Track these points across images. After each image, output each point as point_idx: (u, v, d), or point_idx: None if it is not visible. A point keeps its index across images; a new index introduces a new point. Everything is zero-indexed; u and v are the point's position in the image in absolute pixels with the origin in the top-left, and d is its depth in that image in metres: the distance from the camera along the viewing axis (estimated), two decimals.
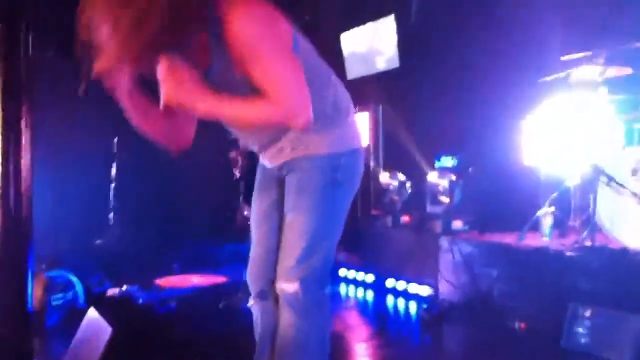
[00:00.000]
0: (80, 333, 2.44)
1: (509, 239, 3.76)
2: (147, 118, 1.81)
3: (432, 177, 4.54)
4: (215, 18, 1.62)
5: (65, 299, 3.96)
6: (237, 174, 4.53)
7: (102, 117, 6.47)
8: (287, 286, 1.88)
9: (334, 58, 5.85)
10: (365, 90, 5.89)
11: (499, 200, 4.30)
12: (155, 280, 4.75)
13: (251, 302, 2.13)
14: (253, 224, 2.12)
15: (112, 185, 6.72)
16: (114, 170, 6.72)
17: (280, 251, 1.94)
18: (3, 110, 1.77)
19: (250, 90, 1.69)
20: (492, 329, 3.40)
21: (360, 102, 5.85)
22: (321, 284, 1.94)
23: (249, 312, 2.15)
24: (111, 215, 6.61)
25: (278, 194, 2.03)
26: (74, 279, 4.06)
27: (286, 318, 1.92)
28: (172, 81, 1.68)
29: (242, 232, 4.30)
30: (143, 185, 6.74)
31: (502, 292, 3.51)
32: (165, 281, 4.89)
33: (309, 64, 1.79)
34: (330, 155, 1.91)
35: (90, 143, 6.29)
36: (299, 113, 1.69)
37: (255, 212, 2.12)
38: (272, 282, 1.98)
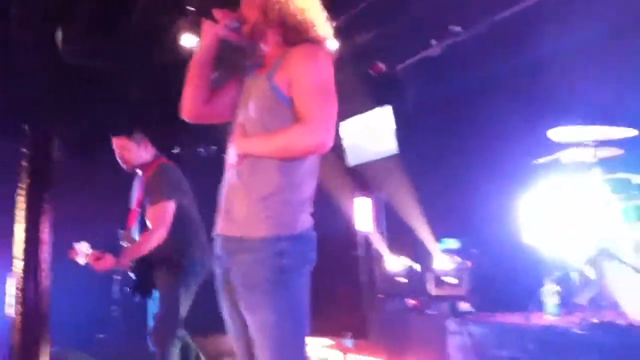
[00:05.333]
0: None
1: (516, 318, 3.77)
2: (201, 72, 2.07)
3: (437, 260, 4.60)
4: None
5: None
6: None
7: (106, 210, 6.67)
8: None
9: (334, 146, 6.07)
10: (367, 176, 6.06)
11: (503, 280, 4.34)
12: None
13: None
14: (226, 318, 2.06)
15: (115, 278, 6.73)
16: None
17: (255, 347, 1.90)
18: (27, 210, 1.84)
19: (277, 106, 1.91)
20: None
21: (362, 188, 6.00)
22: None
23: None
24: (114, 308, 6.57)
25: (231, 293, 1.96)
26: None
27: None
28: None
29: None
30: None
31: None
32: None
33: None
34: (270, 239, 1.86)
35: (93, 235, 6.39)
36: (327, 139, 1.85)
37: (223, 309, 2.06)
38: None
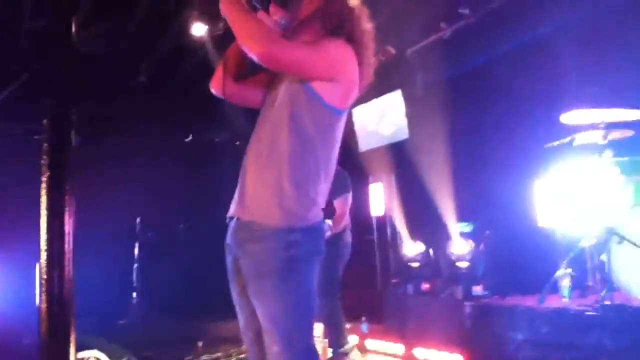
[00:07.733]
0: None
1: (529, 301, 3.80)
2: (238, 52, 2.04)
3: (450, 243, 4.64)
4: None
5: None
6: None
7: (124, 198, 6.77)
8: None
9: (346, 132, 6.09)
10: (378, 161, 6.09)
11: (516, 263, 4.36)
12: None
13: None
14: (236, 307, 2.09)
15: (135, 265, 6.86)
16: (136, 250, 6.89)
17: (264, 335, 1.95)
18: (49, 201, 1.89)
19: None
20: None
21: (373, 172, 6.04)
22: (311, 356, 1.96)
23: None
24: (134, 294, 6.71)
25: (241, 282, 2.00)
26: (105, 359, 4.13)
27: None
28: None
29: None
30: (165, 264, 6.87)
31: (527, 356, 3.53)
32: None
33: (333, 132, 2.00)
34: (283, 229, 1.89)
35: (112, 223, 6.49)
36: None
37: (233, 298, 2.10)
38: None
